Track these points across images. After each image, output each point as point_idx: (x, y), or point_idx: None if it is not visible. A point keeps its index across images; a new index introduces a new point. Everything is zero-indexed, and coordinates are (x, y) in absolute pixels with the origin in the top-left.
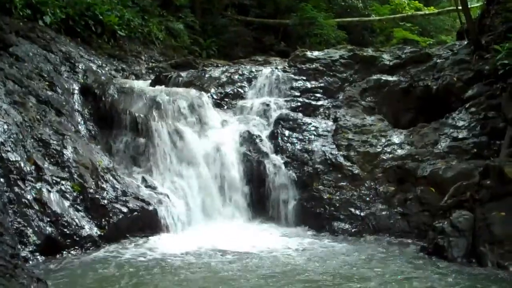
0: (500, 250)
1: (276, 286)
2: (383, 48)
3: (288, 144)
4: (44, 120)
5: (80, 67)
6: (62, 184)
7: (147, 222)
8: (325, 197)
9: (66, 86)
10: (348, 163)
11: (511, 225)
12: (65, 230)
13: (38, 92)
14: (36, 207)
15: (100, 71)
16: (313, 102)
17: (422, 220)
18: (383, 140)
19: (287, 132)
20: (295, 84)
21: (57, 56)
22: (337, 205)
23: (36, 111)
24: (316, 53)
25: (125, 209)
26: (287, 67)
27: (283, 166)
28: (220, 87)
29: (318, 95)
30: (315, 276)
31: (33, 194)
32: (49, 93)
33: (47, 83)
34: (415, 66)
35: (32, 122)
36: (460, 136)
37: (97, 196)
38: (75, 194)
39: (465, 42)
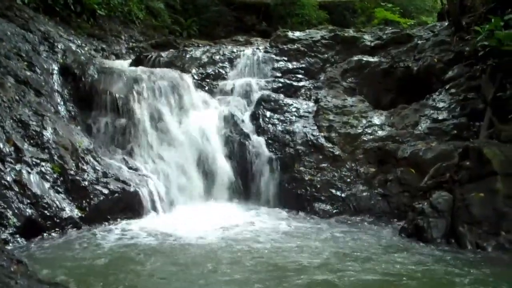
0: (478, 230)
1: (252, 267)
2: (364, 29)
3: (270, 125)
4: (23, 101)
5: (59, 47)
6: (42, 166)
7: (128, 204)
8: (306, 178)
9: (45, 66)
10: (329, 145)
11: (489, 206)
12: (46, 212)
13: (16, 72)
14: (16, 188)
15: (79, 51)
16: (295, 83)
17: (402, 201)
18: (364, 121)
19: (268, 113)
20: (276, 64)
21: (35, 36)
22: (318, 186)
23: (14, 91)
24: (297, 33)
25: (106, 191)
26: (268, 48)
27: (264, 147)
28: (201, 68)
29: (299, 76)
30: (291, 257)
31: (12, 175)
32: (28, 73)
33: (25, 63)
34: (396, 47)
35: (11, 102)
36: (440, 117)
37: (77, 177)
38: (55, 175)
39: (446, 23)
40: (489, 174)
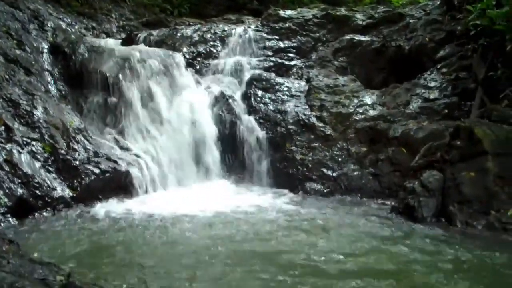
0: (469, 209)
1: (244, 245)
2: (356, 8)
3: (261, 105)
4: (13, 80)
5: (49, 25)
6: (33, 145)
7: (119, 183)
8: (298, 158)
9: (35, 45)
10: (321, 124)
11: (480, 185)
12: (37, 191)
13: (6, 51)
14: (7, 168)
15: (69, 30)
16: (286, 62)
17: (393, 180)
18: (356, 100)
19: (260, 93)
20: (268, 43)
21: (25, 14)
22: (310, 165)
23: (4, 70)
24: (289, 12)
25: (97, 170)
26: (260, 26)
27: (256, 127)
28: (192, 46)
29: (291, 55)
30: (281, 236)
31: (3, 155)
32: (18, 52)
33: (15, 41)
34: (388, 26)
35: (1, 81)
36: (432, 96)
37: (68, 157)
38: (46, 155)
39: (438, 2)
40: (480, 153)
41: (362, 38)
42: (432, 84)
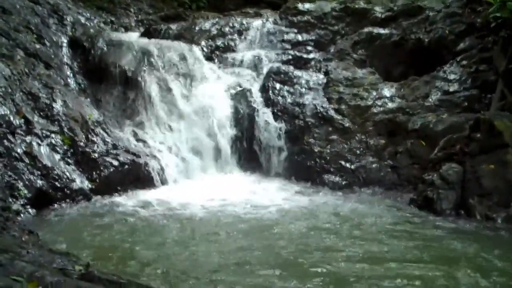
0: (488, 202)
1: (259, 237)
2: (375, 1)
3: (279, 98)
4: (33, 74)
5: (69, 20)
6: (52, 138)
7: (137, 176)
8: (316, 150)
9: (55, 39)
10: (339, 117)
11: (499, 177)
12: (56, 183)
13: (26, 45)
14: (27, 160)
15: (88, 24)
16: (304, 55)
17: (412, 173)
18: (374, 93)
19: (278, 85)
20: (286, 36)
21: (44, 9)
22: (328, 158)
23: (24, 64)
24: (307, 5)
25: (116, 163)
26: (278, 20)
27: (274, 120)
28: (210, 40)
29: (309, 48)
30: (300, 229)
31: (23, 147)
32: (37, 46)
33: (35, 36)
34: (407, 19)
35: (21, 75)
36: (451, 89)
37: (87, 149)
38: (65, 147)
39: None
40: (500, 146)
41: (381, 31)
42: (452, 76)
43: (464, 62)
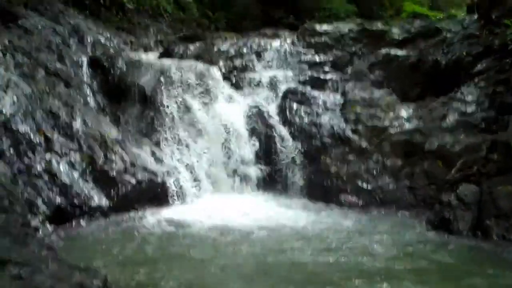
0: (505, 223)
1: (276, 261)
2: (392, 22)
3: (296, 118)
4: (53, 92)
5: (89, 40)
6: (71, 156)
7: (155, 194)
8: (333, 171)
9: (75, 59)
10: (356, 137)
11: None
12: (75, 200)
13: (47, 64)
14: (46, 177)
15: (108, 44)
16: (322, 76)
17: (428, 194)
18: (391, 114)
19: (295, 106)
20: (303, 57)
21: (65, 29)
22: (345, 178)
23: (45, 83)
24: (325, 26)
25: (133, 181)
26: (295, 41)
27: (291, 140)
28: (228, 60)
29: (326, 68)
30: (313, 247)
31: (42, 165)
32: (58, 65)
33: (56, 55)
34: (424, 41)
35: (41, 94)
36: (469, 110)
37: (106, 167)
38: (84, 165)
39: (475, 17)
40: None
41: (399, 52)
42: (469, 98)
43: (482, 84)
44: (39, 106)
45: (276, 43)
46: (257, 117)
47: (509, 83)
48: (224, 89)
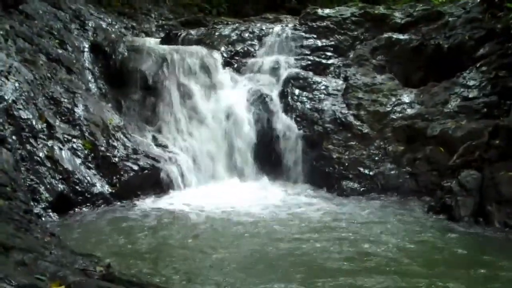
0: (507, 209)
1: (276, 243)
2: (394, 6)
3: (298, 103)
4: (55, 78)
5: (90, 25)
6: (74, 142)
7: (157, 180)
8: (335, 157)
9: (76, 44)
10: (358, 122)
11: None
12: (77, 187)
13: (48, 50)
14: (48, 164)
15: (110, 29)
16: (324, 61)
17: (430, 180)
18: (393, 99)
19: (297, 91)
20: (305, 42)
21: (67, 14)
22: (346, 164)
23: (46, 69)
24: (327, 10)
25: (136, 167)
26: (297, 25)
27: (293, 125)
28: (230, 45)
29: (328, 53)
30: (317, 233)
31: (45, 151)
32: (60, 51)
33: (57, 41)
34: (426, 25)
35: (43, 80)
36: (471, 95)
37: (108, 154)
38: (86, 152)
39: (478, 0)
40: None
41: (401, 36)
42: (471, 82)
43: (484, 68)
44: (40, 92)
45: (277, 28)
46: (259, 102)
47: (511, 68)
48: (226, 74)
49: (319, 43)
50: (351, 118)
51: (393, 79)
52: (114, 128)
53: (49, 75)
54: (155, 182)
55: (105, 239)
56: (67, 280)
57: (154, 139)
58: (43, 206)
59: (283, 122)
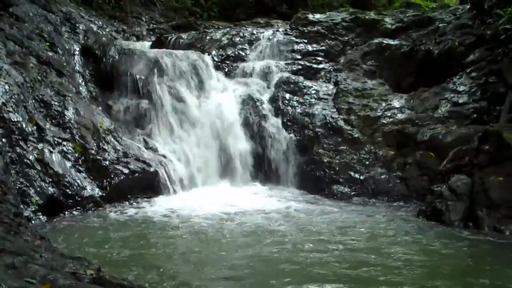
0: (497, 214)
1: (263, 245)
2: (385, 12)
3: (289, 108)
4: (45, 81)
5: (81, 28)
6: (64, 145)
7: (148, 184)
8: (325, 161)
9: (67, 47)
10: (348, 127)
11: (508, 189)
12: (67, 190)
13: (38, 53)
14: (38, 167)
15: (100, 32)
16: (314, 66)
17: (421, 184)
18: (384, 104)
19: (287, 95)
20: (296, 47)
21: (57, 17)
22: (337, 168)
23: (37, 72)
24: (318, 15)
25: (126, 170)
26: (288, 30)
27: (283, 130)
28: (221, 50)
29: (319, 58)
30: (307, 237)
31: (35, 154)
32: (50, 53)
33: (47, 43)
34: (417, 30)
35: (33, 83)
36: (461, 101)
37: (98, 157)
38: (76, 155)
39: (468, 6)
40: (508, 158)
41: (391, 42)
42: (461, 88)
43: (474, 74)
44: (31, 95)
45: (268, 32)
46: (249, 106)
47: (501, 74)
48: (217, 78)
49: (310, 47)
50: (341, 123)
51: (384, 84)
52: (104, 131)
53: (39, 77)
54: (146, 186)
55: (95, 242)
56: (57, 283)
57: (145, 142)
58: (33, 209)
59: (274, 126)
